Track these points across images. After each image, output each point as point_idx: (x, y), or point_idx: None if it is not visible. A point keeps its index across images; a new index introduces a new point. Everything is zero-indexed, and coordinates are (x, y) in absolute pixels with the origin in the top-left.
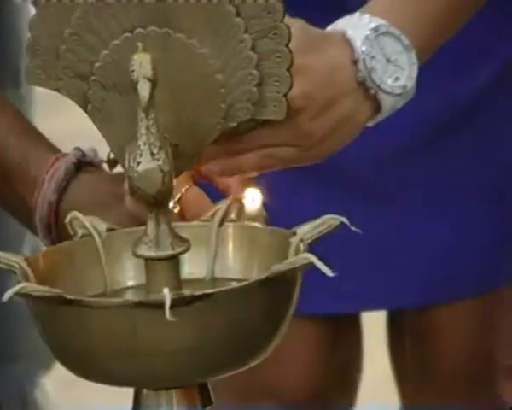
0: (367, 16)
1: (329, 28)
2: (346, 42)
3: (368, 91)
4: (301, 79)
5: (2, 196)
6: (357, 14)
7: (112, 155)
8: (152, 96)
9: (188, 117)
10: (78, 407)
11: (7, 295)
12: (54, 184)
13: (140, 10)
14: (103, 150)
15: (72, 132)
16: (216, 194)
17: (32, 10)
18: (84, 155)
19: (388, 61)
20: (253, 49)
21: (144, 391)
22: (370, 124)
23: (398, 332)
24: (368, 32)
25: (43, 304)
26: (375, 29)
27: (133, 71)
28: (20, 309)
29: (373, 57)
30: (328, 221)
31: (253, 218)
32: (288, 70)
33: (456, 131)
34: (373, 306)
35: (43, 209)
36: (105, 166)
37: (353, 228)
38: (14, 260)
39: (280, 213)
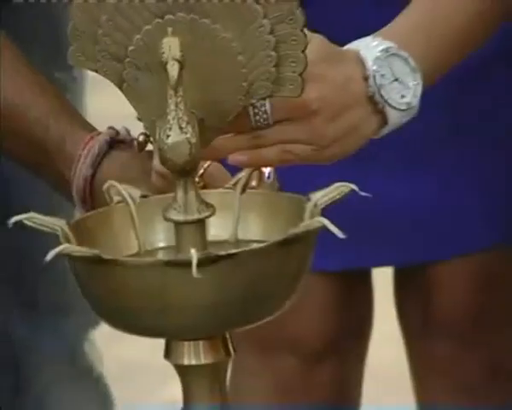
0: (379, 39)
1: (346, 47)
2: (360, 60)
3: (376, 106)
4: (318, 86)
5: (44, 172)
6: (370, 36)
7: (141, 138)
8: (180, 75)
9: (212, 94)
10: (122, 360)
11: (50, 255)
12: (88, 160)
13: None
14: (136, 130)
15: (115, 112)
16: (233, 168)
17: None
18: (117, 133)
19: (396, 79)
20: (271, 32)
21: (174, 342)
22: (376, 136)
23: (403, 287)
24: (378, 53)
25: (83, 264)
26: (386, 50)
27: (163, 53)
28: None
29: (382, 75)
30: (340, 188)
31: (269, 189)
32: (303, 52)
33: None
34: (380, 262)
35: (79, 184)
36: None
37: (363, 193)
38: (57, 223)
39: (291, 184)
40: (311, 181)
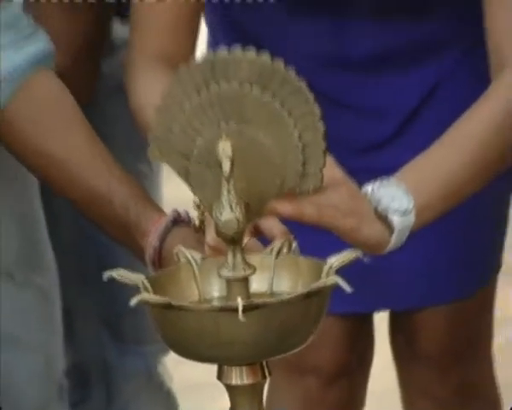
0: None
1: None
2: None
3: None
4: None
5: (123, 242)
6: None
7: (197, 223)
8: (231, 170)
9: (254, 185)
10: (186, 379)
11: (133, 301)
12: (157, 235)
13: (224, 111)
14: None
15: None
16: (266, 242)
17: None
18: (179, 214)
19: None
20: (299, 139)
21: (225, 367)
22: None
23: (396, 326)
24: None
25: (157, 308)
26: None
27: (219, 153)
28: None
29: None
30: (349, 254)
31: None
32: (323, 153)
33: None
34: (379, 307)
35: (150, 252)
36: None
37: (366, 259)
38: (138, 277)
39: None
40: (323, 248)
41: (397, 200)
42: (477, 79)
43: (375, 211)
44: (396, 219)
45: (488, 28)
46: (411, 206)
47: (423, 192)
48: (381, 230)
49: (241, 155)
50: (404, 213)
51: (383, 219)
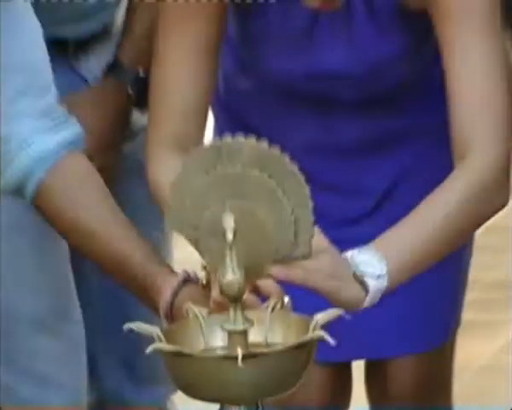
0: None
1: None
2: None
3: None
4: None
5: (141, 297)
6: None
7: (204, 283)
8: (234, 239)
9: (253, 252)
10: None
11: (149, 349)
12: (169, 292)
13: (228, 189)
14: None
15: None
16: (264, 299)
17: None
18: (188, 275)
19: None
20: (292, 213)
21: (226, 406)
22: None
23: (371, 371)
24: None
25: (169, 355)
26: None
27: (223, 224)
28: None
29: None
30: (333, 312)
31: (287, 311)
32: (312, 225)
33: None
34: (358, 357)
35: (163, 306)
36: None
37: (347, 317)
38: (153, 329)
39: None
40: (310, 305)
41: (372, 266)
42: (449, 156)
43: (354, 274)
44: (371, 282)
45: (451, 118)
46: (384, 271)
47: (395, 260)
48: (358, 291)
49: (242, 226)
50: (378, 277)
51: (360, 281)
